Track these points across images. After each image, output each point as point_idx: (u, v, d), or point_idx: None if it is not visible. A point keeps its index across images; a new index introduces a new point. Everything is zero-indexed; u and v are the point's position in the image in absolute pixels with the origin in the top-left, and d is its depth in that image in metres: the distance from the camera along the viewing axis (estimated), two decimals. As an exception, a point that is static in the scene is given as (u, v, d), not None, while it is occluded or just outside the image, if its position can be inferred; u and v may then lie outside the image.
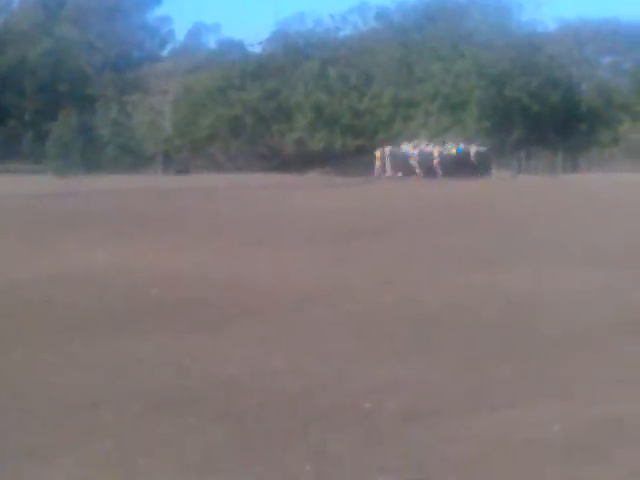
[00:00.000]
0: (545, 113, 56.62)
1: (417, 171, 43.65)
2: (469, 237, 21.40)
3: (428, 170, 42.61)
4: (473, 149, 42.46)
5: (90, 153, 54.02)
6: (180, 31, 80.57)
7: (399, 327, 11.73)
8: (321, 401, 8.30)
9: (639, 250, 18.66)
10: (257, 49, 69.36)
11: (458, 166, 41.71)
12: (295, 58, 62.75)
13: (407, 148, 44.75)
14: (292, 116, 56.29)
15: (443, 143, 43.57)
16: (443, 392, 8.59)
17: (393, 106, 54.52)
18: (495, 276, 15.67)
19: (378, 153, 46.01)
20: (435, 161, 42.37)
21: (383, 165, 46.01)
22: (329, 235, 21.63)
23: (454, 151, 43.01)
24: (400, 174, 43.65)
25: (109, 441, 7.18)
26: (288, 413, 7.93)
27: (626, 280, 15.17)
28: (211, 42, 78.33)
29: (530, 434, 7.32)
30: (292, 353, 10.21)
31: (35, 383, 8.93)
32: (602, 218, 24.51)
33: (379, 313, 12.67)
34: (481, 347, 10.57)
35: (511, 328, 11.74)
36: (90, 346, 10.55)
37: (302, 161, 53.70)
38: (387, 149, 45.38)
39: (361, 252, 18.91)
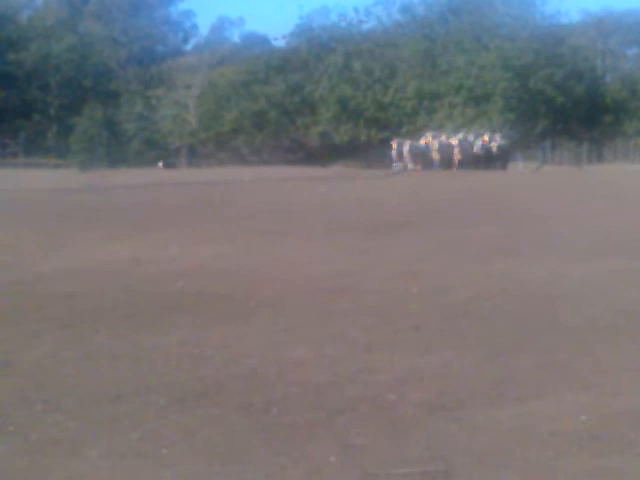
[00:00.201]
0: (569, 105, 56.40)
1: (436, 163, 41.39)
2: (490, 229, 21.33)
3: (448, 162, 40.66)
4: (493, 142, 40.92)
5: (115, 147, 54.05)
6: (204, 25, 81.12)
7: (423, 317, 11.69)
8: (345, 392, 8.28)
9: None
10: (281, 43, 69.46)
11: (479, 158, 40.43)
12: (319, 52, 62.67)
13: (427, 140, 42.55)
14: (316, 109, 56.25)
15: (465, 135, 41.75)
16: (467, 383, 8.56)
17: (417, 99, 54.44)
18: (516, 267, 15.61)
19: (394, 144, 43.66)
20: (455, 153, 40.41)
21: (400, 157, 43.35)
22: (352, 227, 21.59)
23: (478, 142, 41.28)
24: (419, 167, 41.49)
25: (134, 433, 7.18)
26: (312, 404, 7.91)
27: (629, 268, 15.10)
28: (235, 36, 78.65)
29: (554, 425, 7.28)
30: (316, 344, 10.18)
31: (59, 376, 8.93)
32: (623, 209, 24.37)
33: (403, 304, 12.63)
34: (504, 337, 10.52)
35: (533, 318, 11.69)
36: (113, 339, 10.56)
37: (326, 154, 53.58)
38: (407, 143, 42.80)
39: (385, 244, 18.86)
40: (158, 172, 43.34)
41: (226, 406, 7.90)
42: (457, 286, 13.93)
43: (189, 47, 77.73)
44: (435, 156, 41.14)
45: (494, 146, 38.09)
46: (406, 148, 42.17)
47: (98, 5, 74.46)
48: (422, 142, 42.40)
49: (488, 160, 39.40)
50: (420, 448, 6.76)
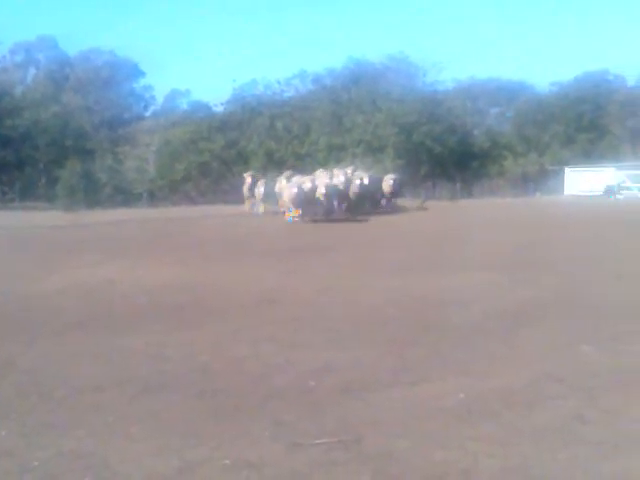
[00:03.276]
0: (445, 153, 57.26)
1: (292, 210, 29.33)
2: (382, 251, 21.47)
3: (307, 206, 28.73)
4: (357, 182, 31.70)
5: (91, 193, 53.65)
6: (159, 96, 79.85)
7: (336, 322, 11.71)
8: (276, 381, 8.28)
9: (516, 257, 18.82)
10: (220, 108, 69.44)
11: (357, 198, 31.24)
12: (250, 115, 62.90)
13: (281, 181, 30.98)
14: (248, 160, 56.33)
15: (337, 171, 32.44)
16: (371, 371, 8.60)
17: (327, 150, 54.72)
18: (411, 281, 15.71)
19: (249, 177, 33.74)
20: (321, 194, 28.58)
21: (252, 194, 32.88)
22: (279, 251, 21.58)
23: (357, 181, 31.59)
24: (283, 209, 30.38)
25: (111, 416, 7.12)
26: (251, 391, 7.90)
27: (508, 281, 15.30)
28: (184, 104, 78.35)
29: (440, 402, 7.35)
30: (253, 344, 10.17)
31: (50, 372, 8.83)
32: (489, 233, 24.72)
33: (321, 312, 12.65)
34: (400, 336, 10.59)
35: (423, 320, 11.78)
36: (93, 342, 10.47)
37: (256, 195, 54.06)
38: (260, 181, 32.64)
39: (304, 264, 18.87)
40: (122, 211, 42.96)
41: (183, 393, 7.86)
42: (363, 297, 13.99)
43: (148, 113, 77.40)
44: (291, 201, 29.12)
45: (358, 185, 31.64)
46: (259, 188, 32.27)
47: (76, 81, 74.02)
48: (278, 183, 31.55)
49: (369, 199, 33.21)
50: (335, 423, 6.77)
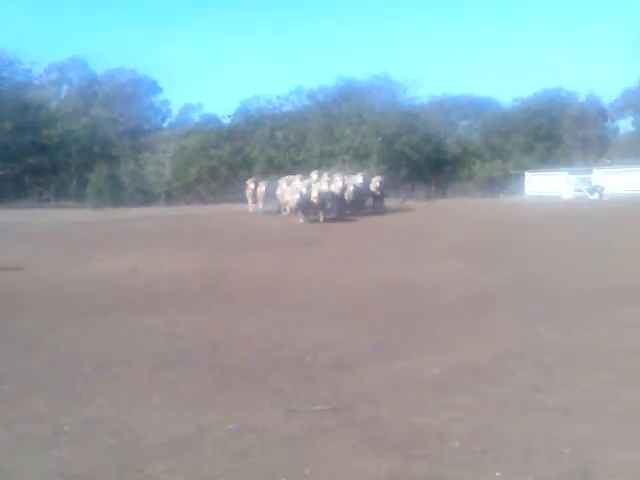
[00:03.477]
0: (422, 160, 57.15)
1: (286, 210, 29.17)
2: (373, 243, 21.48)
3: (305, 208, 27.81)
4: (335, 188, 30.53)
5: (116, 193, 53.44)
6: (175, 109, 79.64)
7: (327, 305, 11.73)
8: (277, 355, 8.28)
9: (482, 249, 18.82)
10: (227, 120, 69.16)
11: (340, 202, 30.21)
12: (253, 126, 62.72)
13: (282, 185, 30.41)
14: (251, 165, 56.13)
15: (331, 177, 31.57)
16: (358, 348, 8.60)
17: (320, 157, 54.51)
18: (394, 267, 15.74)
19: (251, 183, 32.67)
20: (313, 198, 27.61)
21: (253, 198, 31.97)
22: (279, 244, 21.58)
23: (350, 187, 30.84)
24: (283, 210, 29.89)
25: (133, 387, 7.10)
26: (255, 365, 7.90)
27: (475, 269, 15.31)
28: (196, 116, 78.13)
29: (418, 376, 7.36)
30: (257, 324, 10.17)
31: (79, 349, 8.82)
32: (459, 229, 24.72)
33: (314, 296, 12.66)
34: (383, 316, 10.60)
35: (403, 302, 11.79)
36: (117, 323, 10.45)
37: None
38: (262, 184, 31.68)
39: (302, 256, 18.87)
40: (143, 209, 42.89)
41: (196, 367, 7.85)
42: (352, 284, 13.99)
43: (165, 124, 77.08)
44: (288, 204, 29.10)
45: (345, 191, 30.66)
46: (261, 191, 31.43)
47: (103, 96, 73.83)
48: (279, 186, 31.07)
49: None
50: (328, 392, 6.77)
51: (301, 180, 30.34)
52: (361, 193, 31.39)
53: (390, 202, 33.64)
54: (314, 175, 31.45)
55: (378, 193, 32.29)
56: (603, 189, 37.79)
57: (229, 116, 69.28)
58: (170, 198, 57.95)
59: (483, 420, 5.89)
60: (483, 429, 5.68)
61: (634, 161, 46.93)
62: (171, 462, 5.15)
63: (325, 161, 51.95)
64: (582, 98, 65.36)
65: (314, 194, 27.43)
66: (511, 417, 5.96)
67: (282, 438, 5.58)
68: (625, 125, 66.60)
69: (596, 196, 36.64)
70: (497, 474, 4.83)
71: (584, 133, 62.77)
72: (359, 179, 31.77)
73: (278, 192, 29.80)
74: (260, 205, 30.53)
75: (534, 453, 5.17)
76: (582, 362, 7.66)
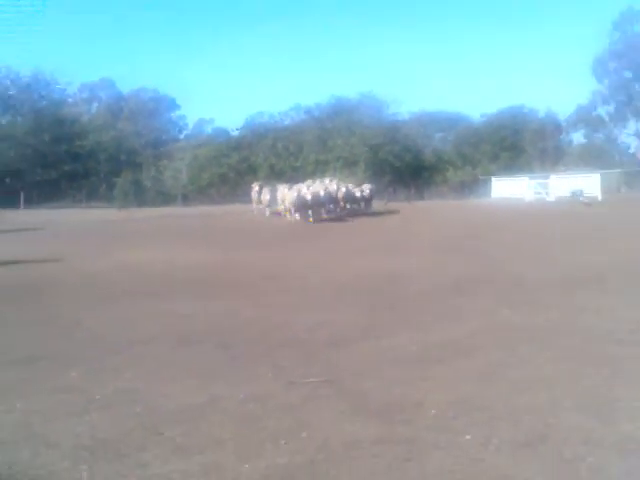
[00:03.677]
0: (403, 167, 57.19)
1: (288, 212, 28.11)
2: (358, 240, 21.49)
3: (302, 210, 27.39)
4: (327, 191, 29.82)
5: (139, 195, 53.44)
6: (190, 123, 79.39)
7: (321, 291, 11.73)
8: (277, 335, 8.27)
9: (454, 244, 18.85)
10: (235, 133, 69.18)
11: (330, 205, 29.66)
12: (258, 137, 62.73)
13: (282, 189, 29.61)
14: (256, 172, 56.10)
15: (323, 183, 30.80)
16: (348, 329, 8.60)
17: (315, 164, 54.48)
18: (375, 261, 15.74)
19: (256, 186, 32.05)
20: (308, 201, 27.12)
21: (258, 201, 31.14)
22: (277, 239, 21.57)
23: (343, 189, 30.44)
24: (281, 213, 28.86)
25: (154, 362, 7.10)
26: (258, 343, 7.90)
27: (448, 261, 15.34)
28: (208, 129, 77.90)
29: (398, 352, 7.37)
30: (259, 308, 10.17)
31: (108, 329, 8.80)
32: (434, 226, 24.74)
33: (308, 284, 12.65)
34: (368, 301, 10.60)
35: (385, 289, 11.79)
36: (140, 307, 10.45)
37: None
38: (266, 188, 31.02)
39: (297, 250, 18.87)
40: (162, 209, 42.87)
41: (209, 345, 7.84)
42: (340, 273, 14.00)
43: (182, 136, 76.85)
44: (289, 205, 28.21)
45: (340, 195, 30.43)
46: (265, 194, 30.65)
47: (128, 112, 73.66)
48: (280, 190, 30.14)
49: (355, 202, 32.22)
50: (321, 367, 6.78)
51: (299, 185, 30.20)
52: (353, 197, 31.41)
53: (375, 204, 33.57)
54: (309, 182, 31.28)
55: (368, 197, 32.31)
56: (582, 192, 37.05)
57: (237, 129, 69.43)
58: (186, 199, 57.90)
59: (456, 391, 5.90)
60: (455, 399, 5.69)
61: (584, 169, 47.18)
62: (187, 426, 5.16)
63: (320, 168, 51.97)
64: (541, 114, 65.70)
65: (308, 197, 27.45)
66: (479, 388, 5.98)
67: (282, 406, 5.59)
68: (577, 137, 67.04)
69: (582, 199, 35.12)
70: (467, 437, 4.84)
71: (543, 144, 62.96)
72: (351, 185, 32.07)
73: (279, 195, 29.79)
74: (266, 209, 30.44)
75: (498, 418, 5.19)
76: (540, 340, 7.69)
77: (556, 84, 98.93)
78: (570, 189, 38.47)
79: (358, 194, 31.55)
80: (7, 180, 58.39)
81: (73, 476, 4.29)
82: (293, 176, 40.75)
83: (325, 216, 28.83)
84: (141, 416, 5.40)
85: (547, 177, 43.38)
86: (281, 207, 28.77)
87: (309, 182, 31.25)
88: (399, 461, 4.44)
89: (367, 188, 32.52)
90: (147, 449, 4.73)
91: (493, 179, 48.03)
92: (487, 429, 4.96)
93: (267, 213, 30.24)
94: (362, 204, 32.18)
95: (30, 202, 52.61)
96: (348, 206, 31.16)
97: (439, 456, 4.51)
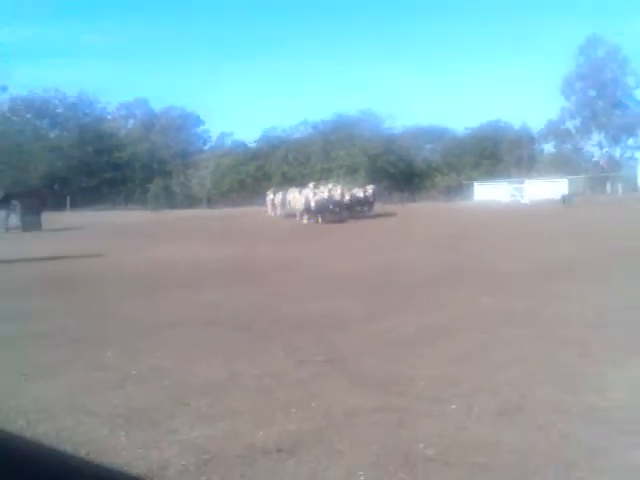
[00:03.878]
0: (397, 174, 57.12)
1: (297, 214, 27.92)
2: (360, 239, 21.47)
3: (307, 212, 27.28)
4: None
5: (169, 199, 53.68)
6: (213, 136, 79.25)
7: (327, 283, 11.70)
8: (288, 320, 8.25)
9: (441, 241, 18.79)
10: (253, 144, 69.11)
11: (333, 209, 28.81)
12: (272, 149, 62.72)
13: (292, 193, 29.68)
14: (271, 179, 56.09)
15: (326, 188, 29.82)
16: (350, 314, 8.57)
17: (321, 172, 54.38)
18: (372, 256, 15.72)
19: (271, 193, 31.90)
20: (314, 204, 27.10)
21: (272, 205, 31.08)
22: (289, 238, 21.56)
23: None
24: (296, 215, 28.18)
25: (181, 343, 7.08)
26: (271, 326, 7.88)
27: (435, 256, 15.30)
28: (229, 141, 77.70)
29: (396, 333, 7.33)
30: (273, 298, 10.14)
31: (140, 315, 8.79)
32: (423, 226, 24.69)
33: (317, 276, 12.63)
34: (367, 291, 10.58)
35: (381, 280, 11.76)
36: (168, 296, 10.43)
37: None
38: (278, 194, 30.93)
39: (304, 246, 18.85)
40: (189, 211, 42.83)
41: (229, 327, 7.83)
42: (342, 266, 13.97)
43: (206, 148, 76.76)
44: (299, 207, 27.95)
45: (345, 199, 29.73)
46: (276, 198, 30.60)
47: (160, 127, 73.76)
48: (290, 194, 30.13)
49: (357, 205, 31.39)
50: (327, 347, 6.75)
51: (307, 190, 29.88)
52: (357, 200, 30.99)
53: (375, 207, 33.39)
54: (311, 186, 30.50)
55: (371, 200, 31.91)
56: (571, 197, 36.30)
57: (254, 141, 69.35)
58: (210, 202, 58.03)
59: (442, 368, 5.87)
60: (442, 375, 5.66)
61: (555, 175, 47.06)
62: (210, 398, 5.14)
63: (324, 175, 51.90)
64: (517, 127, 65.76)
65: (315, 200, 27.38)
66: (463, 365, 5.95)
67: (294, 381, 5.57)
68: (548, 148, 67.33)
69: (570, 202, 34.18)
70: (452, 406, 4.81)
71: (518, 153, 62.98)
72: (355, 189, 31.65)
73: (289, 197, 29.72)
74: (278, 211, 30.49)
75: (480, 391, 5.15)
76: (518, 324, 7.65)
77: (530, 101, 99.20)
78: (560, 194, 37.61)
79: (361, 195, 31.24)
80: (55, 186, 58.55)
81: (112, 440, 4.28)
82: (302, 182, 40.62)
83: (331, 218, 28.65)
84: (170, 390, 5.39)
85: (522, 182, 43.25)
86: (296, 208, 28.51)
87: (311, 185, 30.94)
88: (394, 427, 4.42)
89: (370, 189, 32.16)
90: (176, 417, 4.71)
91: (475, 184, 47.98)
92: (470, 400, 4.93)
93: (279, 215, 30.21)
94: (365, 208, 31.72)
95: (75, 205, 52.86)
96: (354, 209, 30.79)
97: (429, 423, 4.49)
